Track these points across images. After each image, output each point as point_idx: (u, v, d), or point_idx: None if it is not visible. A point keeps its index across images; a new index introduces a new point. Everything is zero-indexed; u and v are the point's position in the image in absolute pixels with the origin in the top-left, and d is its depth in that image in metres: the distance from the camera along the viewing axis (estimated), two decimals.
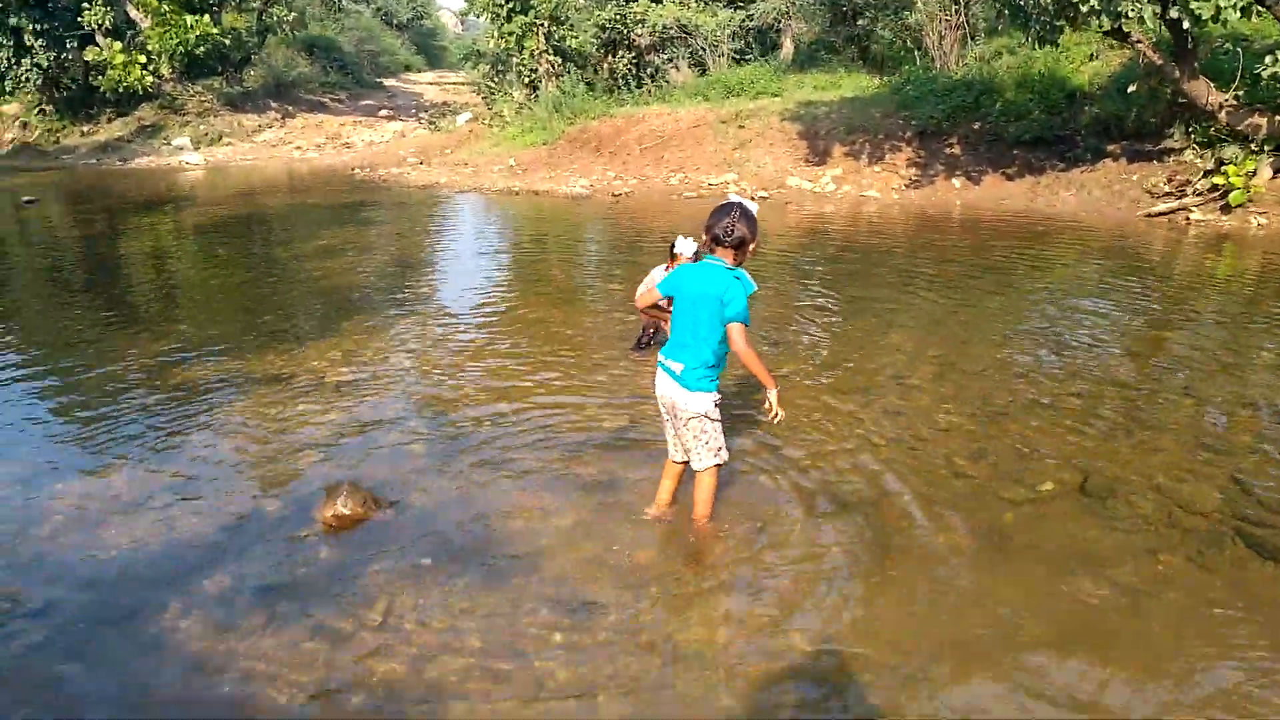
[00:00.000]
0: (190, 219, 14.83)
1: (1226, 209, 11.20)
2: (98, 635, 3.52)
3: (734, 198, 3.91)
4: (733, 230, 3.75)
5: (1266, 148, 11.24)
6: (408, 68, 41.36)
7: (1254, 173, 11.19)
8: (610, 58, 20.36)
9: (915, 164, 14.66)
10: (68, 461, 5.07)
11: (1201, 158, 12.04)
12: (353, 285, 9.33)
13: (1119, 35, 11.20)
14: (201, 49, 24.12)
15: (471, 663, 3.30)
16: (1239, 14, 9.92)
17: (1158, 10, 10.16)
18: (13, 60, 24.65)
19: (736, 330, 3.77)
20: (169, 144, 24.54)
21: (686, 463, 4.13)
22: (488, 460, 4.92)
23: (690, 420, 3.96)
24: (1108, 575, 3.75)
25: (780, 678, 3.20)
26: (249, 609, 3.64)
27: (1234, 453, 4.89)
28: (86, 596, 3.77)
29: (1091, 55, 14.69)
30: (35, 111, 26.41)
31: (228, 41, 25.35)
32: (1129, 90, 12.03)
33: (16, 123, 26.64)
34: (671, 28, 20.31)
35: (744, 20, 20.82)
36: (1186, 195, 11.70)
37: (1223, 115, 11.33)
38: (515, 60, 20.99)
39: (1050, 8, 11.02)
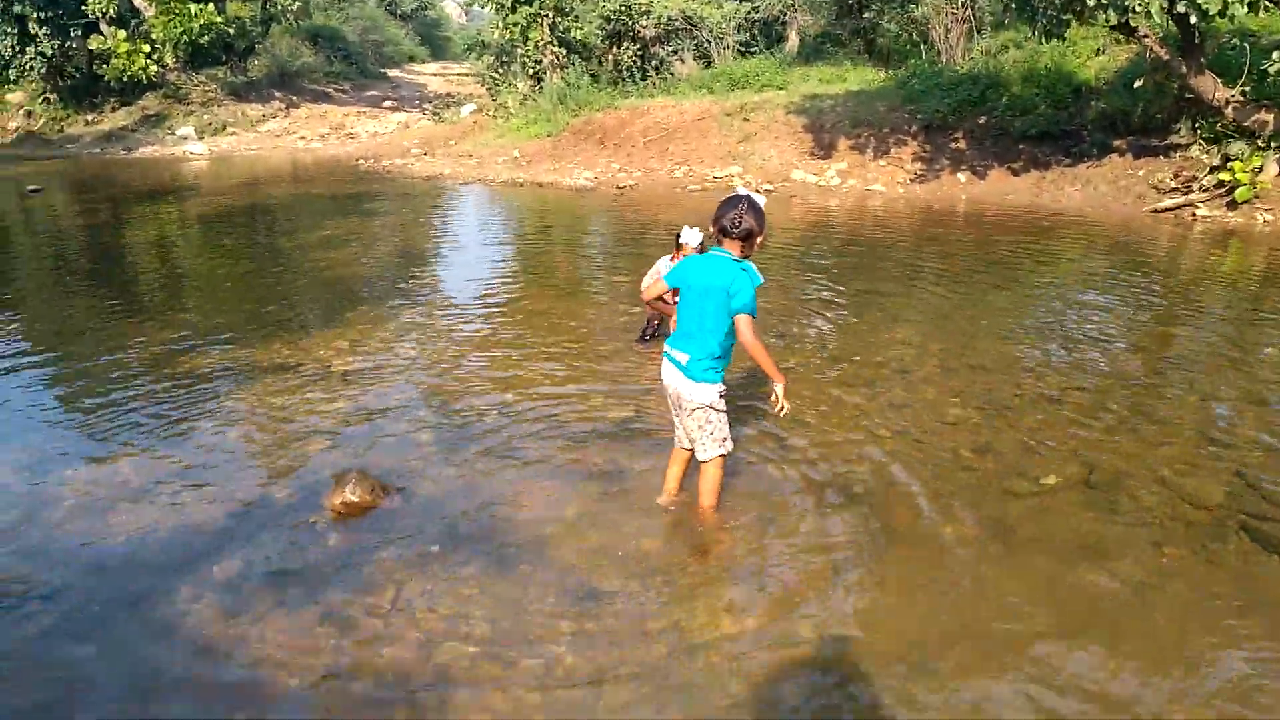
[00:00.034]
0: (195, 209, 14.83)
1: (1233, 205, 11.18)
2: (107, 619, 3.54)
3: (742, 190, 3.92)
4: (740, 222, 3.76)
5: (1273, 144, 11.19)
6: (412, 58, 41.22)
7: (1260, 169, 11.16)
8: (615, 49, 20.31)
9: (920, 158, 14.63)
10: (75, 448, 5.09)
11: (1208, 153, 12.00)
12: (358, 275, 9.34)
13: (1126, 30, 11.15)
14: (206, 38, 24.06)
15: (479, 649, 3.31)
16: (1246, 9, 9.88)
17: (1165, 5, 10.12)
18: (17, 48, 24.61)
19: (744, 322, 3.78)
20: (173, 133, 24.51)
21: (693, 450, 4.15)
22: (494, 449, 4.93)
23: (695, 410, 3.98)
24: (1111, 568, 3.77)
25: (787, 667, 3.21)
26: (258, 594, 3.66)
27: (1239, 448, 4.89)
28: (96, 581, 3.79)
29: (1098, 50, 14.65)
30: (40, 100, 26.40)
31: (232, 31, 25.28)
32: (1135, 85, 12.00)
33: (21, 111, 26.63)
34: (676, 19, 20.27)
35: (749, 12, 20.77)
36: (1193, 191, 11.68)
37: (1229, 111, 11.30)
38: (520, 51, 20.94)
39: (1057, 1, 10.98)
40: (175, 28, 23.40)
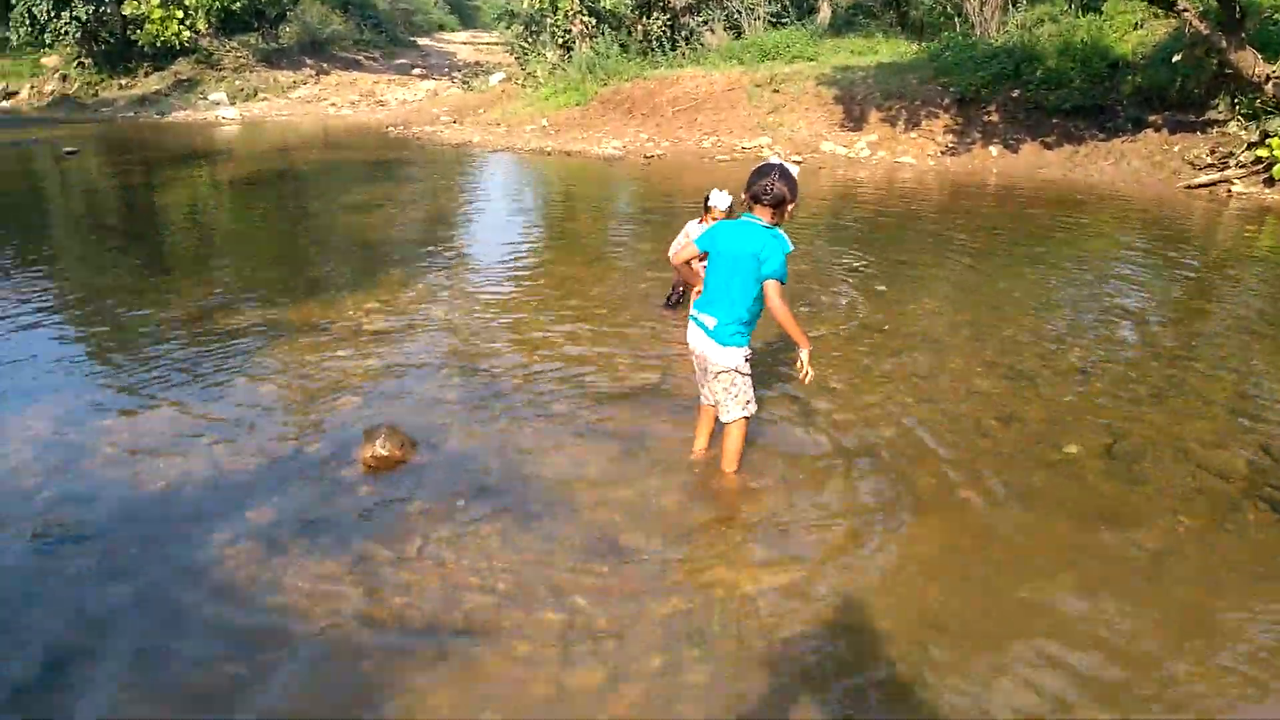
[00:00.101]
0: (227, 173, 14.96)
1: (1270, 182, 11.01)
2: (142, 562, 3.63)
3: (774, 159, 3.93)
4: (771, 188, 3.78)
5: None
6: (441, 27, 41.19)
7: None
8: (645, 19, 20.16)
9: (952, 131, 14.48)
10: (112, 401, 5.19)
11: (1246, 130, 11.81)
12: (387, 239, 9.41)
13: (1165, 4, 10.99)
14: (238, 4, 24.19)
15: (501, 600, 3.38)
16: None
17: None
18: (52, 13, 24.82)
19: (773, 288, 3.80)
20: (205, 99, 24.67)
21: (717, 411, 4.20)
22: (520, 408, 4.99)
23: (720, 374, 4.01)
24: (1132, 536, 3.78)
25: (810, 627, 3.25)
26: (289, 541, 3.75)
27: (1268, 421, 4.87)
28: (131, 526, 3.89)
29: (1136, 24, 14.38)
30: (74, 64, 26.66)
31: None
32: (1174, 60, 11.82)
33: (56, 75, 26.92)
34: None
35: None
36: (1229, 167, 11.51)
37: (1269, 87, 11.10)
38: (549, 21, 20.85)
39: None
40: None
